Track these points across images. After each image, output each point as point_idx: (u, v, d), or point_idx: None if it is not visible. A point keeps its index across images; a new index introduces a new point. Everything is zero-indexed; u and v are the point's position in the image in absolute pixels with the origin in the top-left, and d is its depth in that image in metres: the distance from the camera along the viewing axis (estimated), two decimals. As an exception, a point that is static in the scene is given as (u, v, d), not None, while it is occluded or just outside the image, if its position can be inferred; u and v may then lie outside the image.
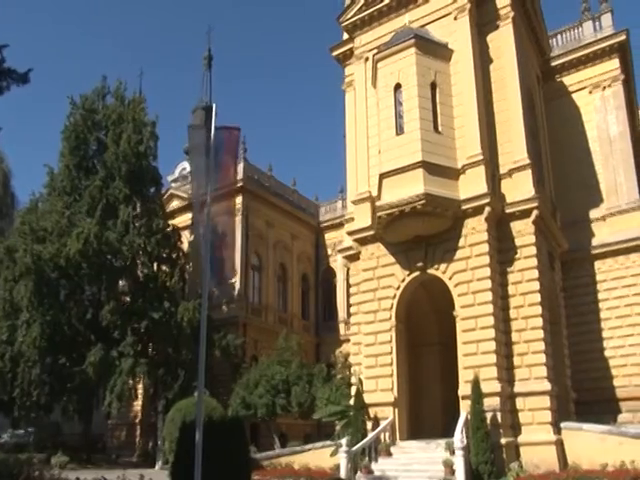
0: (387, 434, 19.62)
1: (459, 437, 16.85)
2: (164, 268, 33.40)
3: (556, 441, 18.21)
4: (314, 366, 29.61)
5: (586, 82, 28.51)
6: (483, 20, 22.70)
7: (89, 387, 29.61)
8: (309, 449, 21.72)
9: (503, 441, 17.99)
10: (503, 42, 22.42)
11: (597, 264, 26.01)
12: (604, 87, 28.35)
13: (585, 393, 23.07)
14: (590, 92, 28.48)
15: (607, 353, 24.79)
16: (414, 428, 20.88)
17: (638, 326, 24.57)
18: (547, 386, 18.81)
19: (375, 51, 22.48)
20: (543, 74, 28.03)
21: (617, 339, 24.69)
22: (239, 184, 37.66)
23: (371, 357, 20.89)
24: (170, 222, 35.16)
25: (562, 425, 18.82)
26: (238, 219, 37.54)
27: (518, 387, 19.06)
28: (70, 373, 28.94)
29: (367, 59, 23.47)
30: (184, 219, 37.16)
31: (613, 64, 28.37)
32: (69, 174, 32.85)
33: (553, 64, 28.70)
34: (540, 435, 18.25)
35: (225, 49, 76.61)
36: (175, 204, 40.25)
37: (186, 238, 36.34)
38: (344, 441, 18.28)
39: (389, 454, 18.95)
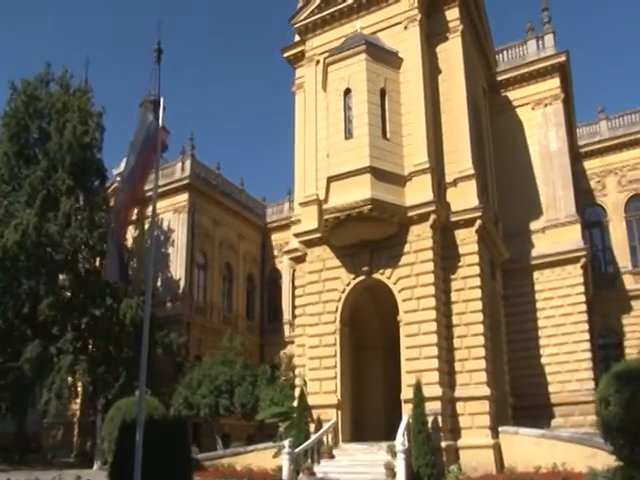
0: (330, 436, 19.60)
1: (401, 440, 16.99)
2: (106, 264, 32.47)
3: (494, 444, 18.62)
4: (258, 367, 29.49)
5: (529, 98, 29.37)
6: (433, 31, 23.12)
7: (24, 384, 28.54)
8: (252, 450, 21.63)
9: (443, 444, 18.23)
10: (451, 54, 22.88)
11: (536, 274, 26.76)
12: (546, 104, 29.27)
13: (522, 398, 23.71)
14: (533, 108, 29.35)
15: (543, 360, 25.52)
16: (357, 430, 20.94)
17: (572, 335, 25.40)
18: (486, 391, 19.21)
19: (326, 54, 22.58)
20: (489, 88, 28.79)
21: (553, 347, 25.47)
22: (185, 181, 37.20)
23: (315, 359, 20.86)
24: (114, 217, 34.22)
25: (500, 429, 19.27)
26: (184, 216, 37.11)
27: (459, 392, 19.38)
28: (3, 369, 27.82)
29: (318, 62, 23.54)
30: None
31: (554, 83, 29.35)
32: (8, 162, 31.65)
33: (499, 79, 29.50)
34: (479, 439, 18.62)
35: (176, 43, 75.34)
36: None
37: (130, 234, 35.53)
38: (287, 442, 18.14)
39: (331, 456, 18.94)
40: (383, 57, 21.80)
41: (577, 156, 34.03)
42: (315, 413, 20.22)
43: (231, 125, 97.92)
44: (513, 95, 29.53)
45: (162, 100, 12.28)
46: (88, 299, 29.76)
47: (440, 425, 18.32)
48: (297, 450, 18.24)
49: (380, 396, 22.61)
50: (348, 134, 21.04)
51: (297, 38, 25.50)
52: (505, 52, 30.57)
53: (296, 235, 22.89)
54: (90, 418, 32.98)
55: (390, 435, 17.97)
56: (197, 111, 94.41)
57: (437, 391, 18.57)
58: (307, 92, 24.06)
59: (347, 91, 21.34)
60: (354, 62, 21.25)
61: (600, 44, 78.99)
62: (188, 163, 38.25)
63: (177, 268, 36.60)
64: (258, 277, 44.06)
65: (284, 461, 17.90)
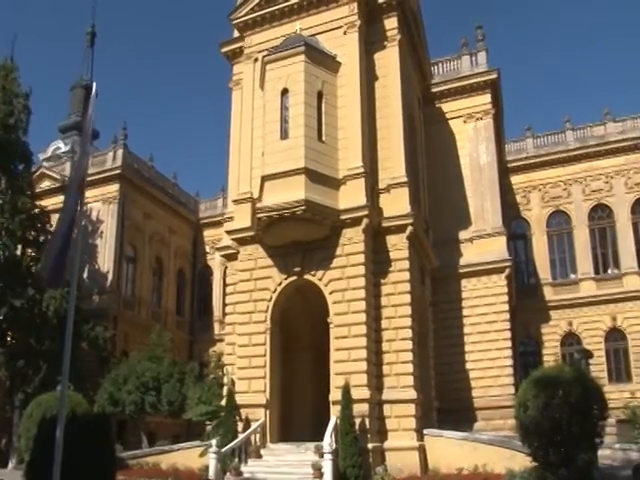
0: (258, 436, 19.44)
1: (328, 441, 16.99)
2: (29, 252, 31.02)
3: (419, 447, 18.90)
4: (187, 364, 28.99)
5: (462, 112, 30.21)
6: (371, 38, 23.33)
7: None
8: (178, 449, 21.35)
9: (370, 446, 18.31)
10: (389, 62, 23.15)
11: (463, 282, 27.50)
12: (477, 118, 30.18)
13: (447, 402, 24.17)
14: (465, 121, 30.20)
15: (468, 366, 26.22)
16: (285, 431, 20.83)
17: (496, 342, 26.26)
18: (413, 395, 19.47)
19: (265, 53, 22.42)
20: (424, 99, 29.35)
21: (477, 353, 26.23)
22: (117, 171, 36.11)
23: (245, 358, 20.63)
24: (39, 203, 32.74)
25: (425, 432, 19.59)
26: (114, 207, 36.05)
27: (386, 394, 19.57)
28: None
29: (257, 60, 23.34)
30: (55, 201, 34.25)
31: (486, 98, 30.33)
32: None
33: (433, 90, 30.21)
34: (405, 441, 18.87)
35: (111, 28, 72.66)
36: (46, 184, 37.80)
37: (54, 222, 34.09)
38: (214, 442, 17.81)
39: (259, 456, 18.81)
40: (322, 60, 21.85)
41: (505, 170, 35.28)
42: (243, 412, 19.98)
43: (166, 117, 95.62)
44: (446, 107, 30.31)
45: (94, 86, 11.82)
46: (8, 289, 28.25)
47: (367, 427, 18.41)
48: (224, 449, 17.97)
49: (309, 397, 22.55)
50: (284, 134, 20.95)
51: (236, 34, 25.18)
52: (440, 65, 31.37)
53: (229, 232, 22.59)
54: (6, 414, 31.31)
55: (318, 436, 17.91)
56: (131, 101, 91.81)
57: (365, 393, 18.66)
58: (244, 89, 23.80)
59: (284, 91, 21.26)
60: (293, 63, 21.20)
61: (531, 64, 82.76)
62: (120, 153, 37.17)
63: (105, 260, 35.48)
64: (189, 273, 43.25)
65: (211, 460, 17.57)
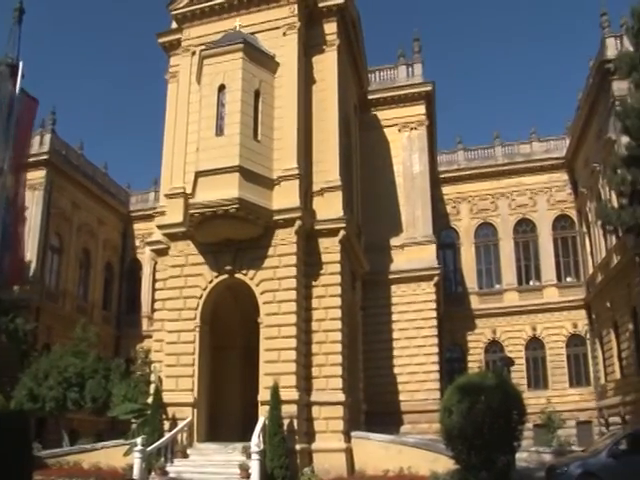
0: (185, 435, 19.01)
1: (256, 441, 16.82)
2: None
3: (346, 448, 18.95)
4: (112, 360, 28.15)
5: (397, 120, 30.68)
6: (310, 41, 23.34)
7: None
8: (101, 448, 20.69)
9: (298, 447, 18.22)
10: (327, 66, 23.22)
11: (393, 288, 27.86)
12: (411, 128, 30.73)
13: (375, 405, 24.34)
14: (399, 130, 30.68)
15: (396, 370, 26.57)
16: (213, 430, 20.47)
17: (423, 348, 26.75)
18: (341, 397, 19.51)
19: (203, 47, 22.00)
20: (360, 105, 29.59)
21: (405, 358, 26.64)
22: (43, 156, 34.62)
23: (173, 356, 20.15)
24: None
25: (352, 434, 19.66)
26: (39, 194, 34.47)
27: (315, 396, 19.51)
28: None
29: (194, 53, 22.87)
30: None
31: (420, 109, 30.93)
32: None
33: (370, 97, 30.56)
34: (332, 443, 18.89)
35: (43, 7, 68.95)
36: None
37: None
38: (139, 440, 17.19)
39: (185, 455, 18.43)
40: (260, 59, 21.68)
41: (436, 181, 36.04)
42: (170, 411, 19.49)
43: (98, 105, 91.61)
44: (382, 115, 30.72)
45: (21, 65, 11.26)
46: None
47: (295, 428, 18.31)
48: (150, 448, 17.45)
49: (238, 396, 22.30)
50: (219, 131, 20.64)
51: (175, 25, 24.61)
52: (377, 73, 31.82)
53: (160, 227, 22.02)
54: None
55: (246, 436, 17.72)
56: (62, 85, 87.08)
57: (294, 394, 18.56)
58: (181, 82, 23.28)
59: (221, 87, 20.95)
60: (231, 59, 20.93)
61: (466, 80, 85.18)
62: (48, 138, 35.67)
63: (28, 249, 33.62)
64: (117, 266, 41.90)
65: (135, 460, 16.96)
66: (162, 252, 22.44)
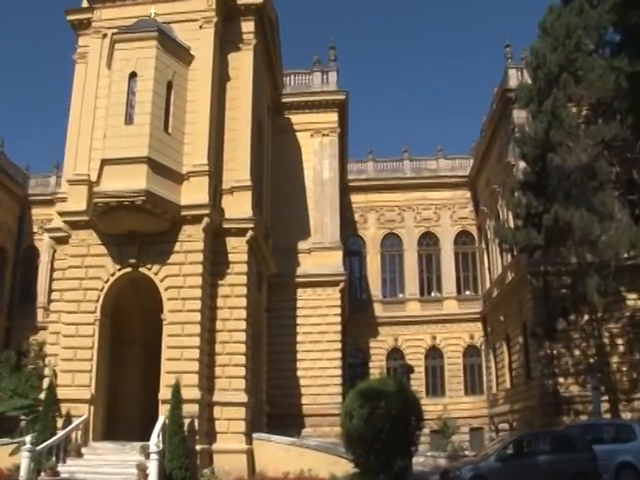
0: (79, 433, 18.02)
1: (155, 441, 16.21)
2: None
3: (247, 450, 18.74)
4: (2, 352, 26.51)
5: (309, 125, 30.89)
6: (227, 38, 22.96)
7: None
8: None
9: (198, 447, 17.78)
10: (242, 65, 22.96)
11: (299, 291, 28.00)
12: (323, 134, 31.04)
13: (277, 407, 24.29)
14: (312, 135, 30.89)
15: (299, 373, 26.68)
16: (110, 429, 19.61)
17: (326, 352, 27.04)
18: (244, 398, 19.27)
19: (115, 31, 21.08)
20: (274, 107, 29.50)
21: (309, 362, 26.81)
22: None
23: (70, 349, 19.06)
24: None
25: (254, 435, 19.48)
26: None
27: (217, 396, 19.12)
28: None
29: (105, 36, 21.85)
30: None
31: (333, 117, 31.31)
32: None
33: (284, 100, 30.58)
34: (233, 444, 18.60)
35: None
36: None
37: None
38: (28, 439, 16.06)
39: (79, 455, 17.49)
40: (175, 50, 21.05)
41: (346, 188, 36.39)
42: (65, 408, 18.40)
43: None
44: (295, 119, 30.80)
45: None
46: None
47: (196, 428, 17.85)
48: (40, 447, 16.38)
49: (138, 394, 21.43)
50: (129, 119, 19.83)
51: (85, 4, 23.34)
52: (292, 77, 31.97)
53: (61, 214, 20.80)
54: None
55: (146, 435, 16.99)
56: None
57: (196, 394, 18.09)
58: (90, 65, 22.11)
59: (133, 74, 20.13)
60: (144, 47, 20.17)
61: (379, 92, 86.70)
62: None
63: None
64: (12, 252, 38.87)
65: (23, 459, 15.84)
66: (62, 240, 21.20)
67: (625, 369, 26.66)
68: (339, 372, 27.03)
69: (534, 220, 23.22)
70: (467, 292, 38.69)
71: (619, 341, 26.98)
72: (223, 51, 22.87)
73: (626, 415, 25.27)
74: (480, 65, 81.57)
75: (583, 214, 21.02)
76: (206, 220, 19.81)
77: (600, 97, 21.33)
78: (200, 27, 22.02)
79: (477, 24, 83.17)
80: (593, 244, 21.74)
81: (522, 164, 25.42)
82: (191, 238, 19.77)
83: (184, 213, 19.77)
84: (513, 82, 29.84)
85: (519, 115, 28.21)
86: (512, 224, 26.80)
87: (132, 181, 18.78)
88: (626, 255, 21.84)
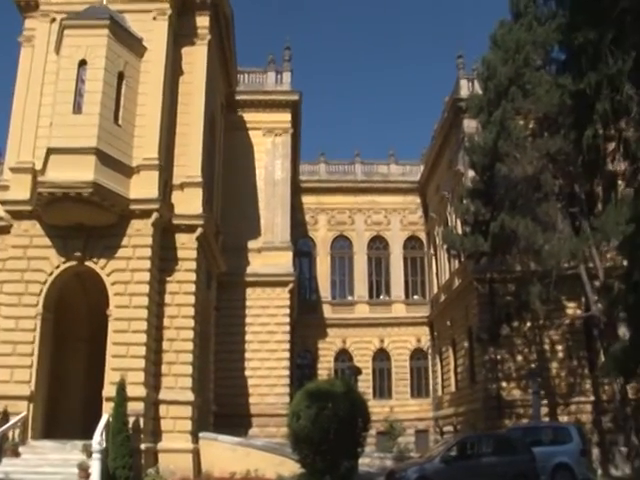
0: (17, 431, 17.26)
1: (98, 440, 15.72)
2: None
3: (193, 449, 18.40)
4: None
5: (262, 124, 30.68)
6: (182, 31, 22.53)
7: None
8: None
9: (143, 446, 17.32)
10: (196, 59, 22.61)
11: (248, 291, 27.77)
12: (276, 134, 30.87)
13: (225, 407, 23.97)
14: (264, 135, 30.69)
15: (247, 373, 26.47)
16: (52, 427, 18.86)
17: (275, 352, 26.93)
18: (190, 396, 18.92)
19: (64, 15, 20.33)
20: (227, 104, 29.16)
21: (257, 361, 26.63)
22: None
23: (8, 344, 18.24)
24: None
25: (200, 435, 19.18)
26: None
27: (163, 394, 18.71)
28: None
29: (54, 20, 21.02)
30: None
31: (286, 117, 31.19)
32: None
33: (237, 98, 30.28)
34: (179, 443, 18.24)
35: None
36: None
37: None
38: (-42, 438, 15.32)
39: (16, 454, 16.73)
40: (127, 40, 20.50)
41: (297, 189, 36.32)
42: (1, 404, 17.54)
43: None
44: (248, 117, 30.56)
45: None
46: None
47: (141, 427, 17.39)
48: (-28, 447, 15.62)
49: (81, 392, 20.77)
50: (77, 108, 19.16)
51: (33, -16, 22.55)
52: (246, 75, 31.66)
53: (2, 202, 19.89)
54: None
55: (89, 434, 16.41)
56: None
57: (141, 391, 17.61)
58: (37, 49, 21.18)
59: (82, 62, 19.43)
60: (95, 35, 19.55)
61: (334, 94, 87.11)
62: None
63: None
64: None
65: (-49, 460, 15.08)
66: (3, 230, 20.23)
67: (564, 374, 27.46)
68: (287, 372, 26.96)
69: (481, 227, 23.71)
70: (415, 296, 39.17)
71: (559, 347, 27.75)
72: (177, 45, 22.43)
73: (563, 418, 26.08)
74: (433, 73, 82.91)
75: (528, 224, 21.60)
76: (155, 215, 19.38)
77: (546, 112, 21.91)
78: (154, 18, 21.53)
79: (432, 32, 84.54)
80: (536, 253, 22.38)
81: (471, 172, 25.90)
82: (139, 233, 19.29)
83: (133, 207, 19.28)
84: (464, 92, 30.39)
85: (469, 124, 28.71)
86: (460, 231, 27.24)
87: (79, 172, 18.14)
88: (567, 265, 22.50)
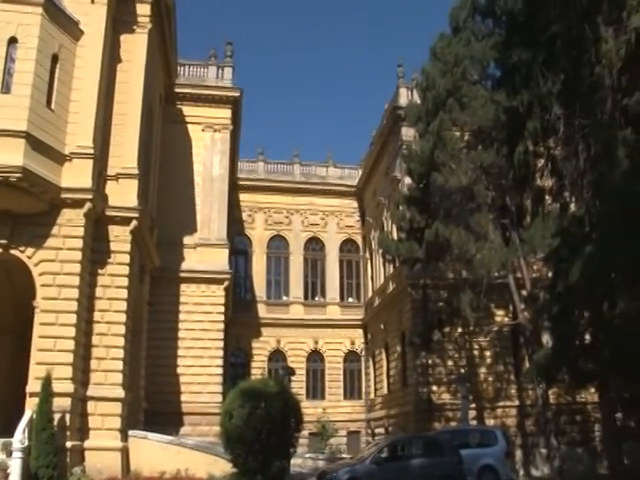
0: None
1: (20, 437, 14.88)
2: None
3: (122, 448, 17.72)
4: None
5: (202, 119, 30.19)
6: (121, 17, 21.79)
7: None
8: None
9: (69, 444, 16.48)
10: (135, 48, 21.88)
11: (183, 287, 27.20)
12: (215, 130, 30.43)
13: (156, 404, 23.34)
14: (203, 130, 30.22)
15: (179, 370, 25.88)
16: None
17: (208, 350, 26.47)
18: (121, 393, 18.25)
19: (-6, -11, 19.30)
20: (166, 96, 28.48)
21: (190, 359, 26.08)
22: None
23: None
24: None
25: (130, 433, 18.52)
26: None
27: (92, 391, 17.92)
28: None
29: (-17, -6, 19.97)
30: None
31: (226, 113, 30.82)
32: None
33: (177, 90, 29.61)
34: (107, 441, 17.52)
35: None
36: None
37: None
38: None
39: None
40: (62, 21, 19.55)
41: (235, 187, 35.99)
42: None
43: None
44: (187, 111, 29.99)
45: None
46: None
47: (67, 424, 16.52)
48: None
49: (4, 387, 19.72)
50: (6, 88, 18.00)
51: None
52: (187, 67, 31.08)
53: None
54: None
55: (10, 432, 15.51)
56: None
57: (68, 387, 16.77)
58: (-39, 22, 20.14)
59: (13, 40, 18.37)
60: (28, 12, 18.45)
61: (274, 92, 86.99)
62: None
63: None
64: None
65: None
66: None
67: (491, 379, 28.27)
68: (220, 371, 26.55)
69: (416, 234, 24.10)
70: (350, 299, 39.39)
71: (487, 353, 28.56)
72: (116, 31, 21.64)
73: (490, 421, 26.93)
74: (374, 79, 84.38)
75: (461, 233, 22.08)
76: (88, 205, 18.55)
77: (481, 125, 22.38)
78: (92, 2, 20.60)
79: (375, 40, 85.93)
80: (468, 261, 22.90)
81: (408, 180, 26.28)
82: (71, 223, 18.43)
83: (64, 196, 18.39)
84: (403, 100, 30.83)
85: (407, 132, 29.16)
86: (395, 236, 27.58)
87: (7, 155, 17.12)
88: (496, 274, 23.03)
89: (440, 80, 23.41)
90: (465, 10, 24.01)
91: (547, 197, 22.94)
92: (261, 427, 13.93)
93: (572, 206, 18.23)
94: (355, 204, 40.58)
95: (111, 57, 21.22)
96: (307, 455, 24.60)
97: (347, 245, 40.16)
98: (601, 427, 24.39)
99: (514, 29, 16.85)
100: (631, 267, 12.63)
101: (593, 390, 22.74)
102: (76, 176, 18.77)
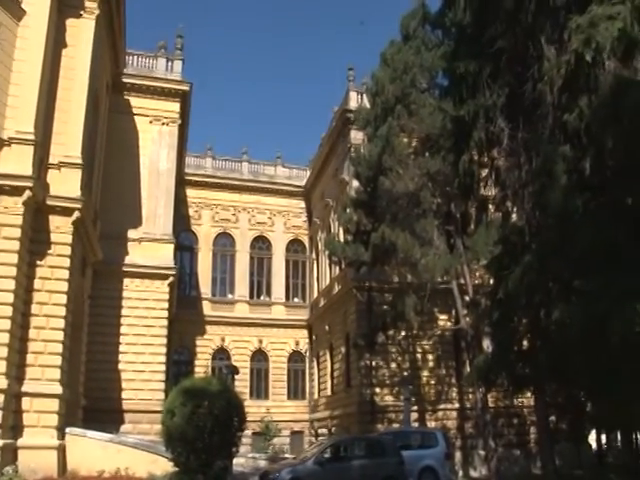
0: None
1: (-55, 436, 14.03)
2: None
3: (59, 446, 17.14)
4: None
5: (149, 111, 29.40)
6: (68, 1, 21.04)
7: None
8: None
9: (1, 443, 15.73)
10: (82, 33, 21.18)
11: (126, 281, 26.40)
12: (163, 123, 29.71)
13: (96, 401, 22.71)
14: (151, 122, 29.39)
15: (121, 366, 25.12)
16: None
17: (151, 346, 25.82)
18: (58, 389, 17.61)
19: None
20: (113, 85, 27.77)
21: (132, 355, 25.34)
22: None
23: None
24: None
25: (67, 430, 17.94)
26: None
27: (27, 386, 17.18)
28: None
29: None
30: None
31: (175, 106, 30.11)
32: None
33: (124, 80, 28.79)
34: (43, 439, 16.86)
35: None
36: None
37: None
38: None
39: None
40: (3, 1, 18.89)
41: (182, 182, 35.33)
42: None
43: None
44: (135, 102, 29.12)
45: None
46: None
47: (0, 421, 15.81)
48: None
49: None
50: (-55, 67, 17.35)
51: None
52: (136, 58, 30.10)
53: None
54: None
55: None
56: None
57: (2, 383, 16.05)
58: None
59: (-54, 15, 17.69)
60: (-38, -14, 17.85)
61: (223, 88, 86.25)
62: None
63: None
64: None
65: None
66: None
67: (433, 382, 28.61)
68: (163, 368, 25.94)
69: (363, 237, 24.16)
70: (295, 299, 39.24)
71: (430, 357, 28.87)
72: (61, 14, 20.88)
73: (431, 424, 27.25)
74: (326, 81, 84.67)
75: (406, 237, 22.21)
76: (28, 193, 17.78)
77: (428, 132, 22.55)
78: (36, -20, 19.94)
79: (328, 42, 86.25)
80: (413, 266, 23.14)
81: (355, 183, 26.33)
82: (8, 211, 17.60)
83: (1, 182, 17.59)
84: (353, 104, 30.85)
85: (356, 136, 29.24)
86: (342, 238, 27.65)
87: (-62, 137, 16.41)
88: (440, 279, 23.25)
89: (389, 86, 23.57)
90: (416, 19, 24.36)
91: (490, 206, 23.32)
92: (203, 426, 13.71)
93: (514, 216, 18.59)
94: (303, 204, 40.48)
95: (56, 40, 20.45)
96: (250, 455, 24.36)
97: (294, 245, 39.98)
98: (536, 429, 25.09)
99: (462, 41, 17.11)
100: (566, 277, 13.01)
101: (529, 394, 23.21)
102: (15, 162, 18.00)
